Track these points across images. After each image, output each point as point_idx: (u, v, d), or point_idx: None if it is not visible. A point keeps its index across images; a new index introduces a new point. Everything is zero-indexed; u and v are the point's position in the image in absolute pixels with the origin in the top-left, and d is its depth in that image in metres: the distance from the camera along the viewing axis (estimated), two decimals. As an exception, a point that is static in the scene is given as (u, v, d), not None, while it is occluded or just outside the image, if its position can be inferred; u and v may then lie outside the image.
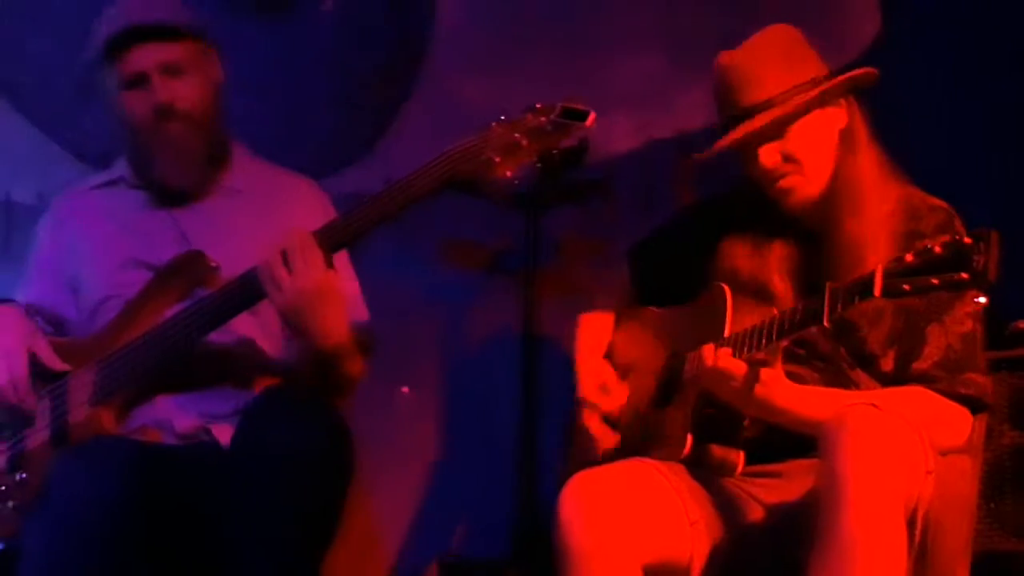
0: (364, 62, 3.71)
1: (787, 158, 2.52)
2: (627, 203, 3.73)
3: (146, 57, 2.76)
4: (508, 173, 2.44)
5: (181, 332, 2.61)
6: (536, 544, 3.23)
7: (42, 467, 2.62)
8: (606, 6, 3.69)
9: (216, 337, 2.67)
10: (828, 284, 2.33)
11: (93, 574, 2.43)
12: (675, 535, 2.45)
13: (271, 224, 2.77)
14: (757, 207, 2.60)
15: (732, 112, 2.54)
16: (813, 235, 2.57)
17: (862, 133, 2.57)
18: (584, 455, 2.69)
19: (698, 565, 2.46)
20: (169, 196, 2.85)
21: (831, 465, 2.24)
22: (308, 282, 2.48)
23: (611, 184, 3.71)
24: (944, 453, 2.33)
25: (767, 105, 2.50)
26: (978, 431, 2.55)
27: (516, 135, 2.43)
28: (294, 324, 2.55)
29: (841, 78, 2.53)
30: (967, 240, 2.14)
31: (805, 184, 2.53)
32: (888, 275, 2.23)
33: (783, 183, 2.53)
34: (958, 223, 2.52)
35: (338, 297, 2.56)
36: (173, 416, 2.68)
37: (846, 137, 2.56)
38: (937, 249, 2.17)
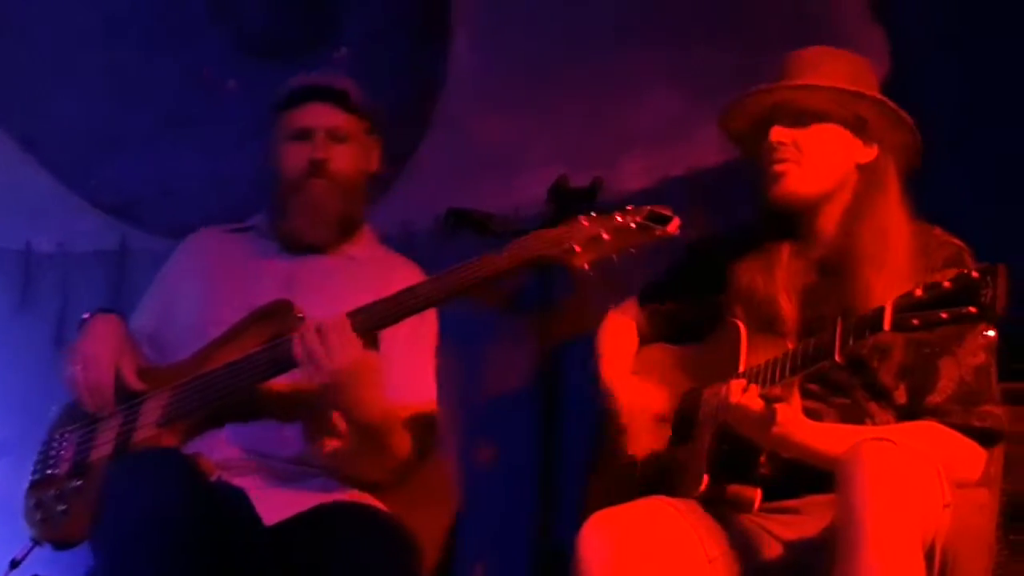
0: (379, 105, 3.74)
1: (795, 145, 2.58)
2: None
3: (318, 115, 2.92)
4: (586, 264, 2.54)
5: (243, 374, 2.69)
6: (555, 583, 3.22)
7: (100, 479, 2.69)
8: (620, 46, 3.72)
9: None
10: (839, 320, 2.34)
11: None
12: (693, 572, 2.45)
13: (372, 294, 2.83)
14: (769, 233, 2.65)
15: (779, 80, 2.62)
16: (827, 267, 2.60)
17: (891, 181, 2.61)
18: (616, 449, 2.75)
19: (717, 602, 2.46)
20: (296, 248, 2.95)
21: (848, 500, 2.25)
22: (342, 362, 2.55)
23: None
24: (959, 487, 2.34)
25: (813, 87, 2.58)
26: (996, 463, 2.56)
27: (601, 230, 2.52)
28: (327, 399, 2.62)
29: (882, 98, 2.59)
30: (975, 275, 2.16)
31: (798, 177, 2.58)
32: (898, 310, 2.24)
33: (779, 166, 2.59)
34: (968, 258, 2.54)
35: (375, 377, 2.62)
36: (216, 447, 2.73)
37: (867, 173, 2.60)
38: (946, 284, 2.19)
